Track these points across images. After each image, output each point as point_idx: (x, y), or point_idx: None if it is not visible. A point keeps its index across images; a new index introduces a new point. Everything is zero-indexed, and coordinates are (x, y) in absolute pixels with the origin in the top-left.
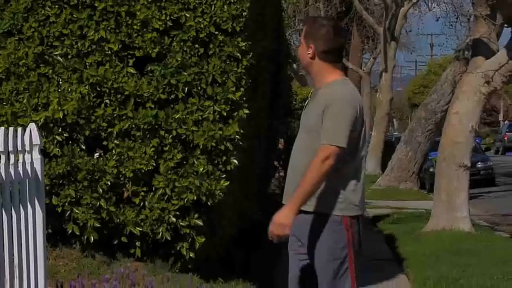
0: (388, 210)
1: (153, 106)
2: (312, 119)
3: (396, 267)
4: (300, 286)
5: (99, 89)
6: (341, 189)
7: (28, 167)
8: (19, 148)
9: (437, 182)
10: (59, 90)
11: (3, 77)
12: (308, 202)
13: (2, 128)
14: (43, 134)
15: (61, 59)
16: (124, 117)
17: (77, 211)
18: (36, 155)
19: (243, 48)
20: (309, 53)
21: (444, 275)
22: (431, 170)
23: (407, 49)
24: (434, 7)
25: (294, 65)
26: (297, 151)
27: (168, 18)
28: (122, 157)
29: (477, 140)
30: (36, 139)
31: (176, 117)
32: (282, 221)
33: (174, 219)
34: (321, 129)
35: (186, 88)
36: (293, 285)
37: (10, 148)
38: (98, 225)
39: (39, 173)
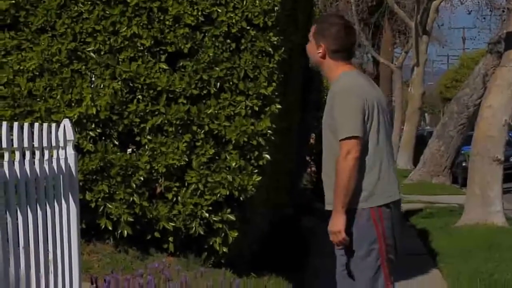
0: (420, 205)
1: (185, 101)
2: (325, 116)
3: (429, 262)
4: (343, 281)
5: (131, 84)
6: (362, 181)
7: (62, 163)
8: (53, 144)
9: (470, 177)
10: (92, 86)
11: (37, 73)
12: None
13: (37, 124)
14: (76, 130)
15: (94, 55)
16: (156, 113)
17: (110, 206)
18: (70, 151)
19: (275, 43)
20: (319, 52)
21: (477, 270)
22: (463, 164)
23: (439, 43)
24: (466, 0)
25: None
26: (323, 151)
27: (200, 13)
28: (155, 152)
29: (510, 134)
30: (70, 135)
31: (208, 112)
32: (333, 229)
33: (207, 214)
34: (332, 125)
35: (218, 83)
36: (338, 280)
37: (45, 144)
38: (132, 220)
39: (73, 168)
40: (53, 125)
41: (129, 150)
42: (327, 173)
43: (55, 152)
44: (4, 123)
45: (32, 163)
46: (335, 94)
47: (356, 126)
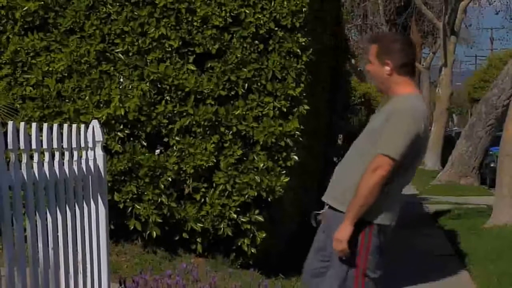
0: (448, 206)
1: (213, 102)
2: (376, 123)
3: (458, 263)
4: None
5: (159, 86)
6: (377, 200)
7: (91, 164)
8: (82, 145)
9: (498, 177)
10: (121, 87)
11: (66, 74)
12: (342, 200)
13: (66, 125)
14: (105, 131)
15: (122, 57)
16: (184, 114)
17: (138, 207)
18: (99, 152)
19: (303, 44)
20: (387, 70)
21: (506, 271)
22: (492, 165)
23: (467, 44)
24: (494, 1)
25: (353, 61)
26: (352, 150)
27: (227, 14)
28: (183, 153)
29: None
30: (99, 136)
31: (236, 113)
32: (338, 237)
33: (235, 215)
34: (376, 134)
35: (246, 85)
36: (307, 261)
37: (74, 145)
38: (160, 221)
39: (101, 169)
40: (82, 126)
41: (157, 151)
42: (348, 173)
43: (84, 153)
44: (34, 124)
45: (61, 164)
46: (396, 111)
47: (399, 150)
